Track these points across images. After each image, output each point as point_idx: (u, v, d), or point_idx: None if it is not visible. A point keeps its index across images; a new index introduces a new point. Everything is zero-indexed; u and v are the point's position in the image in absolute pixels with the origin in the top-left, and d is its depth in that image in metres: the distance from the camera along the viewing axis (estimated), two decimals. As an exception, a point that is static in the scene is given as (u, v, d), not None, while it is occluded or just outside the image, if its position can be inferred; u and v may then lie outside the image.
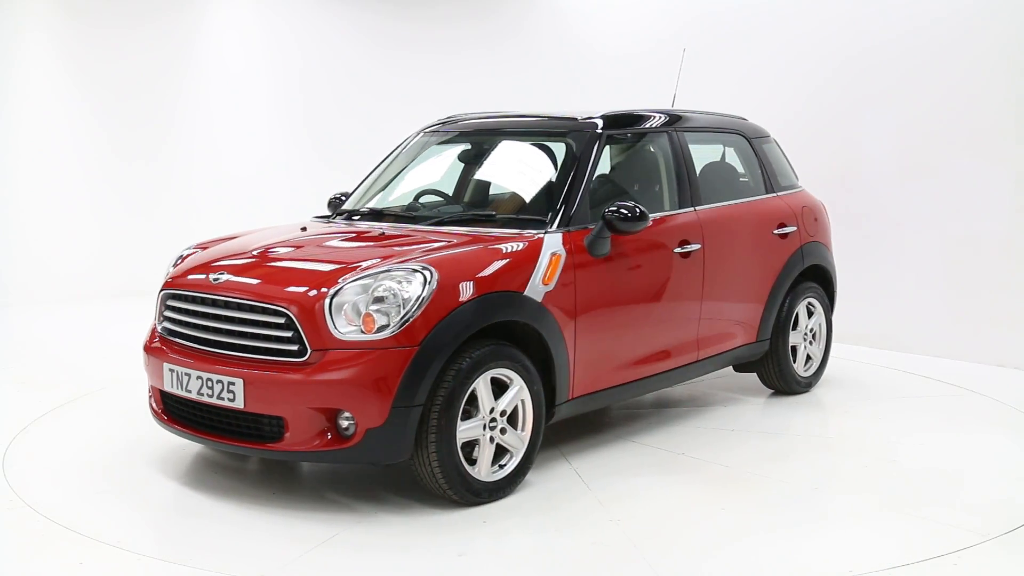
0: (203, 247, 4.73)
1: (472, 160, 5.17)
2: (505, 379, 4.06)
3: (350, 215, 5.05)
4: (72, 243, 9.65)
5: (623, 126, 5.01)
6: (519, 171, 4.95)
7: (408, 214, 4.89)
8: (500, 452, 4.10)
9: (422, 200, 5.16)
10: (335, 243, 4.51)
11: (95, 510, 4.06)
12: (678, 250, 4.87)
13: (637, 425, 5.22)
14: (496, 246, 4.19)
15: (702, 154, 5.51)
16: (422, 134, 5.40)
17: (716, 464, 4.61)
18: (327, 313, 3.78)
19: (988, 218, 6.64)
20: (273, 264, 4.23)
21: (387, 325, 3.78)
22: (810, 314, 5.79)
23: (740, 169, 5.70)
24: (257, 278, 4.09)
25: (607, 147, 4.88)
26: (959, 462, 4.67)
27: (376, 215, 4.94)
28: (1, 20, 9.13)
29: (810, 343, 5.80)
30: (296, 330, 3.81)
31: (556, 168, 4.76)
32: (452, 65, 10.17)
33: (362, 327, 3.78)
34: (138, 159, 9.97)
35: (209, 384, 3.97)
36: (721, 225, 5.17)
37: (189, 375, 4.05)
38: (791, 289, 5.60)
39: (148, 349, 4.40)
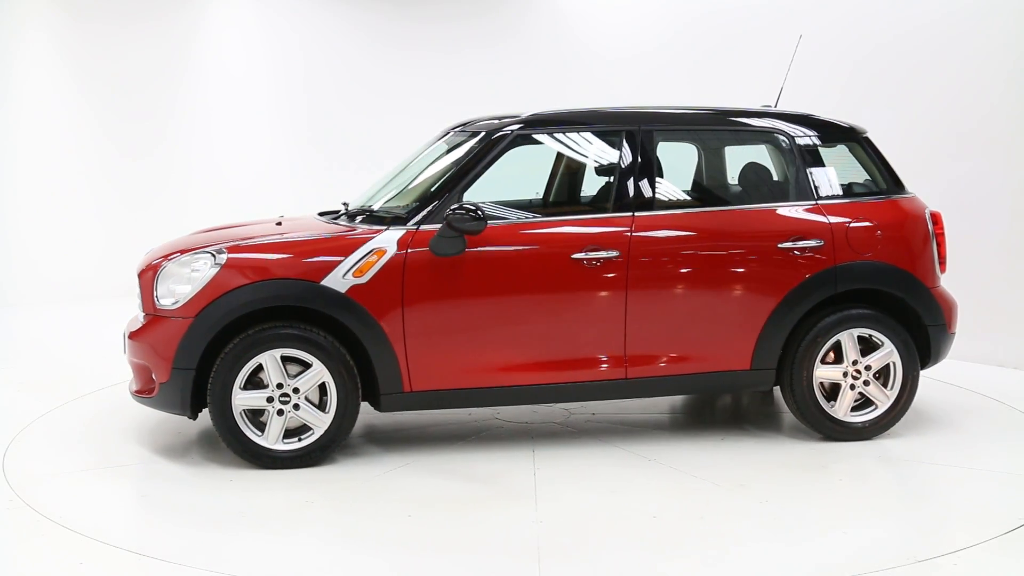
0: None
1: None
2: (306, 360, 4.49)
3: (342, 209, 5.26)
4: (72, 243, 9.64)
5: (548, 127, 4.93)
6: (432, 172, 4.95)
7: (343, 211, 5.17)
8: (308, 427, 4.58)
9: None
10: (235, 231, 4.98)
11: (95, 510, 4.07)
12: (579, 256, 4.64)
13: (551, 438, 5.10)
14: (315, 238, 4.63)
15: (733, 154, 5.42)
16: (451, 133, 5.36)
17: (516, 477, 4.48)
18: (154, 285, 4.58)
19: (988, 218, 6.64)
20: (178, 245, 4.85)
21: (180, 298, 4.48)
22: (872, 348, 4.93)
23: (774, 172, 5.19)
24: (153, 254, 4.84)
25: (532, 147, 4.88)
26: (959, 462, 4.67)
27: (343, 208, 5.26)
28: (1, 19, 9.13)
29: (865, 383, 4.91)
30: None
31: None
32: (452, 63, 10.18)
33: (175, 299, 4.51)
34: (138, 158, 9.97)
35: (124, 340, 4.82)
36: (669, 233, 4.76)
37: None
38: (818, 315, 4.86)
39: None
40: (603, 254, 4.66)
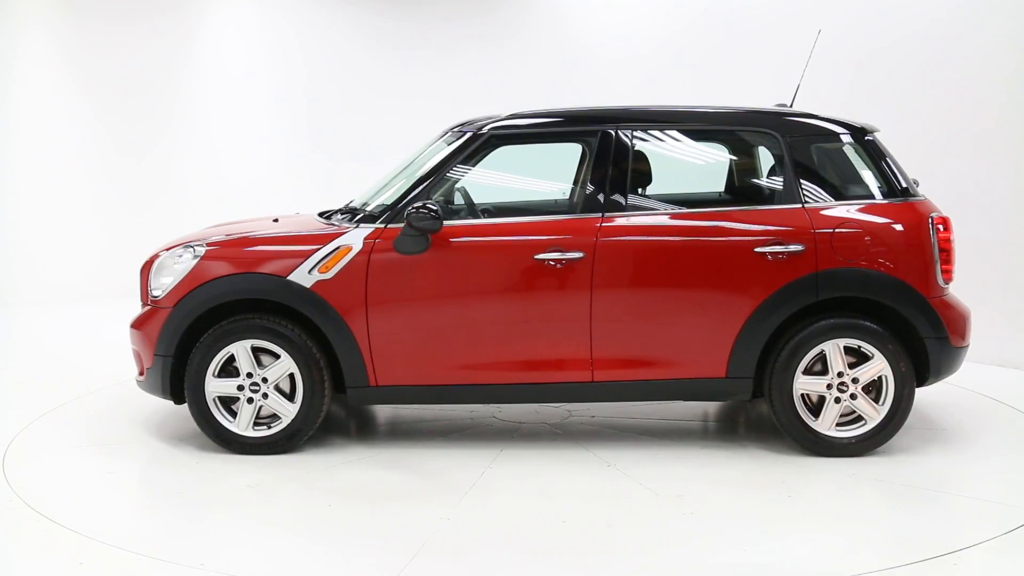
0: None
1: None
2: (276, 353, 4.67)
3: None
4: (73, 243, 9.65)
5: (524, 127, 4.87)
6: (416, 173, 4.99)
7: (342, 209, 5.24)
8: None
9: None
10: (236, 226, 5.14)
11: (95, 510, 4.07)
12: (543, 256, 4.60)
13: (530, 439, 5.08)
14: (289, 235, 4.80)
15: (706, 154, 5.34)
16: (449, 133, 5.36)
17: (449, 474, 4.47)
18: (150, 275, 4.83)
19: (988, 218, 6.64)
20: (181, 239, 5.01)
21: (165, 289, 4.71)
22: (862, 359, 4.65)
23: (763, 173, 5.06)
24: (160, 247, 5.01)
25: (506, 148, 4.86)
26: (959, 462, 4.67)
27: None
28: (1, 18, 9.13)
29: (852, 397, 4.64)
30: None
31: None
32: (452, 63, 10.18)
33: (162, 290, 4.74)
34: (138, 158, 9.97)
35: None
36: (637, 235, 4.65)
37: None
38: (800, 322, 4.65)
39: None
40: (567, 255, 4.60)
